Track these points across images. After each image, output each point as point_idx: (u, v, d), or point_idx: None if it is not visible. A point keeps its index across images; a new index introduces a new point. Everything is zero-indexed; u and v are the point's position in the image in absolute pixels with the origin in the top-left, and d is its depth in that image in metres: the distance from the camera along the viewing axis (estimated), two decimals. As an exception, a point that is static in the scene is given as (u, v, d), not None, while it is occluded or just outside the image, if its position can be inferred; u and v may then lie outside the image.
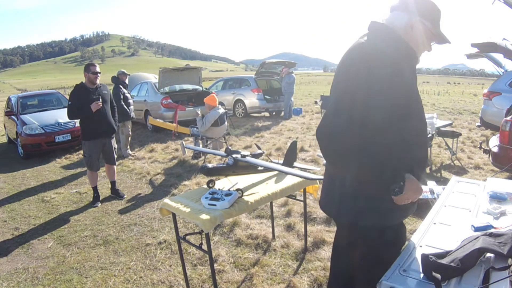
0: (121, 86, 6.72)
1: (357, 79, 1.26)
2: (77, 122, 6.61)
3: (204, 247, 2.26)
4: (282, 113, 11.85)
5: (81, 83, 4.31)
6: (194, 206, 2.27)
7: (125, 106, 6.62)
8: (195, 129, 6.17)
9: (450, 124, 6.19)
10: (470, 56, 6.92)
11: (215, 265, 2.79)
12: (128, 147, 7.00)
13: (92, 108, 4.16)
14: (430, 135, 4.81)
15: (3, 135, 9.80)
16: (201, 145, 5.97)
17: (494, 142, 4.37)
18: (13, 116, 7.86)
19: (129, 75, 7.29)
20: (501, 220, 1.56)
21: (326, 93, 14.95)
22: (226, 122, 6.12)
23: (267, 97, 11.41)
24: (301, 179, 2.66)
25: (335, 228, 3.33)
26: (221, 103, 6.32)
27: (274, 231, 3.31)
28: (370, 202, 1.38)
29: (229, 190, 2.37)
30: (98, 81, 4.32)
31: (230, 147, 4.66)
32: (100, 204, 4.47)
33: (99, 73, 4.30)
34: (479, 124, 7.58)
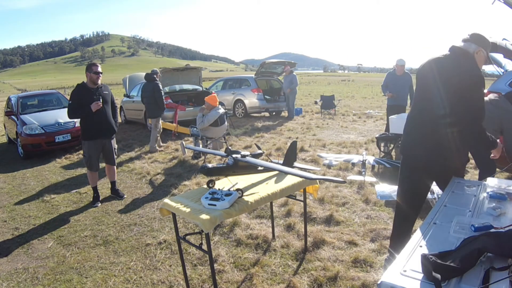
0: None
1: (478, 95, 2.10)
2: (77, 122, 6.63)
3: (204, 247, 2.26)
4: (282, 113, 11.84)
5: (82, 83, 4.31)
6: (194, 206, 2.27)
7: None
8: (195, 129, 6.17)
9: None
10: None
11: (215, 265, 2.79)
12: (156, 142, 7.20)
13: (92, 108, 4.16)
14: None
15: (3, 135, 9.80)
16: (201, 145, 5.97)
17: None
18: (13, 116, 7.86)
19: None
20: (501, 220, 1.56)
21: (326, 93, 14.95)
22: (226, 122, 6.13)
23: (267, 97, 11.41)
24: (301, 179, 2.66)
25: (335, 228, 3.37)
26: (221, 103, 6.32)
27: (274, 231, 3.31)
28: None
29: (229, 190, 2.37)
30: (99, 81, 4.32)
31: (230, 147, 4.66)
32: (100, 204, 4.47)
33: (101, 73, 4.30)
34: None
